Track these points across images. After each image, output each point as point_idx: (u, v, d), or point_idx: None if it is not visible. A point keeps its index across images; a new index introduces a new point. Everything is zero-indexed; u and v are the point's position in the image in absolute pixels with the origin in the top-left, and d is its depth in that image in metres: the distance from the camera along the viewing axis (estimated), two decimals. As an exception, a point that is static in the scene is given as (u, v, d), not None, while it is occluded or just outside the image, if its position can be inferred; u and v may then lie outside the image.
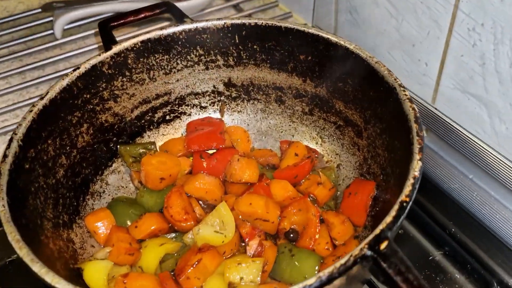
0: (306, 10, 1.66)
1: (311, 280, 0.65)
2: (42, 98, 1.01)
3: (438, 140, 1.25)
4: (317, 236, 1.02)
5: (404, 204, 0.74)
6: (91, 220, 1.07)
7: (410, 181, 0.78)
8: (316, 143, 1.25)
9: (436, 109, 1.22)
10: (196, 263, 0.96)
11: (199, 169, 1.20)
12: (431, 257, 1.17)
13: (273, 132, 1.31)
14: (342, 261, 0.67)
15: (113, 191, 1.19)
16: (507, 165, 1.08)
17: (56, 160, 1.04)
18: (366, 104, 1.08)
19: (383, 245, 0.68)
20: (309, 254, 0.98)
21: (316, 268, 0.96)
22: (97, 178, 1.16)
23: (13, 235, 0.76)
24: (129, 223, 1.09)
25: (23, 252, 0.75)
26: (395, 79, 0.97)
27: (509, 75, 0.99)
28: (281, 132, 1.30)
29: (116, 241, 1.02)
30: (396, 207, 0.73)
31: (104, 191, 1.17)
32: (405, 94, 0.93)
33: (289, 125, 1.29)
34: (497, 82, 1.03)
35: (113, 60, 1.14)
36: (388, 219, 0.71)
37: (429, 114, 1.23)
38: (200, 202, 1.14)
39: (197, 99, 1.31)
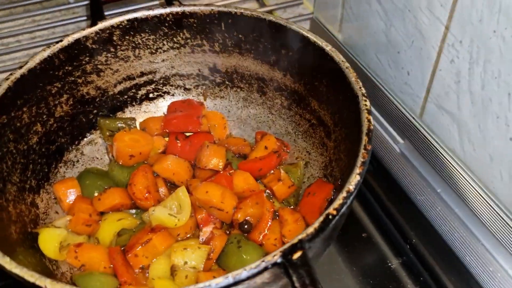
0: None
1: (219, 280, 0.68)
2: (20, 67, 1.05)
3: (413, 149, 1.24)
4: (266, 231, 1.04)
5: (330, 217, 0.75)
6: (59, 188, 1.12)
7: (343, 194, 0.78)
8: (290, 138, 1.26)
9: (413, 118, 1.21)
10: (146, 242, 1.00)
11: (173, 150, 1.23)
12: (388, 264, 1.18)
13: (252, 121, 1.32)
14: (253, 265, 0.69)
15: (87, 162, 1.24)
16: (471, 185, 1.07)
17: (30, 127, 1.08)
18: (336, 107, 1.08)
19: (296, 255, 0.70)
20: (254, 248, 1.01)
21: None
22: (73, 147, 1.21)
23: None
24: (95, 194, 1.14)
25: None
26: (360, 87, 0.96)
27: (480, 96, 0.97)
28: (260, 122, 1.31)
29: (77, 211, 1.07)
30: (320, 218, 0.74)
31: (78, 161, 1.22)
32: (365, 104, 0.93)
33: (268, 116, 1.30)
34: (469, 102, 1.00)
35: (98, 35, 1.17)
36: (309, 230, 0.73)
37: (406, 122, 1.22)
38: (168, 183, 1.18)
39: (181, 80, 1.33)
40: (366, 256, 1.20)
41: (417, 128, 1.19)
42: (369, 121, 0.90)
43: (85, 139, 1.24)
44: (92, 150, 1.25)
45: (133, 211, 1.14)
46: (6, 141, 1.02)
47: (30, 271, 0.71)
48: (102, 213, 1.11)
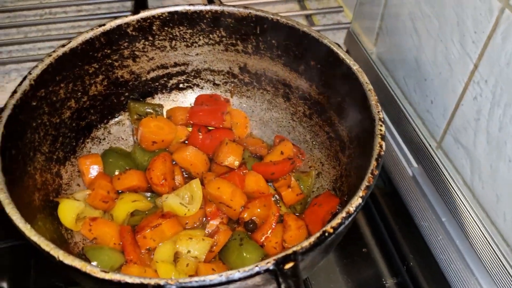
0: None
1: (213, 276, 0.73)
2: (63, 46, 1.12)
3: (425, 175, 1.26)
4: (269, 234, 1.09)
5: (326, 234, 0.79)
6: (84, 162, 1.19)
7: (342, 214, 0.82)
8: (307, 147, 1.30)
9: (430, 146, 1.22)
10: (155, 226, 1.06)
11: (194, 141, 1.29)
12: (383, 282, 1.21)
13: (273, 124, 1.36)
14: (247, 268, 0.74)
15: (113, 141, 1.31)
16: (475, 220, 1.08)
17: (65, 102, 1.16)
18: (354, 126, 1.11)
19: (287, 266, 0.74)
20: (255, 248, 1.06)
21: (256, 262, 1.03)
22: (101, 125, 1.28)
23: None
24: (116, 173, 1.21)
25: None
26: (378, 112, 0.99)
27: (496, 138, 0.98)
28: (280, 126, 1.35)
29: (97, 186, 1.14)
30: (317, 234, 0.79)
31: (104, 139, 1.29)
32: (380, 130, 0.95)
33: (289, 122, 1.34)
34: (485, 141, 1.02)
35: (139, 24, 1.22)
36: (305, 243, 0.77)
37: (423, 148, 1.24)
38: (185, 172, 1.25)
39: (211, 75, 1.38)
40: (363, 271, 1.24)
41: (432, 156, 1.20)
42: (380, 146, 0.93)
43: (114, 119, 1.31)
44: (119, 131, 1.32)
45: (148, 194, 1.20)
46: (41, 114, 1.09)
47: (46, 240, 0.78)
48: (119, 192, 1.18)
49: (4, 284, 1.14)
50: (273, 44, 1.26)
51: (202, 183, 1.18)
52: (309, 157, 1.29)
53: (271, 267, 0.74)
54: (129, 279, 0.73)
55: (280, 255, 0.75)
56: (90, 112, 1.24)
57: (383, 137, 0.94)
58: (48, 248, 0.77)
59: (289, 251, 0.76)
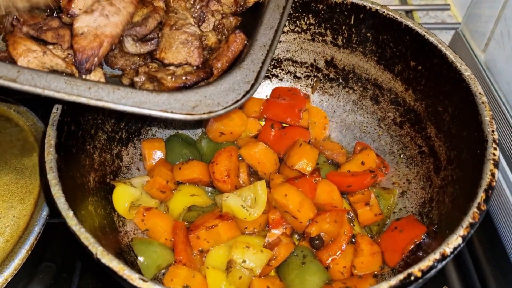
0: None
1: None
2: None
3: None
4: (337, 255, 0.94)
5: (412, 278, 0.63)
6: (147, 145, 1.12)
7: (435, 255, 0.66)
8: (393, 159, 1.13)
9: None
10: (211, 227, 0.96)
11: (265, 138, 1.17)
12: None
13: (355, 129, 1.20)
14: (307, 305, 0.61)
15: (179, 125, 1.22)
16: None
17: (134, 80, 1.08)
18: (456, 143, 0.93)
19: (358, 311, 0.60)
20: (319, 269, 0.92)
21: (318, 286, 0.90)
22: (170, 109, 1.20)
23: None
24: (178, 162, 1.12)
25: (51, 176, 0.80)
26: (492, 131, 0.80)
27: None
28: (364, 132, 1.19)
29: (156, 174, 1.06)
30: (400, 277, 0.63)
31: (171, 123, 1.21)
32: (494, 154, 0.77)
33: (375, 128, 1.17)
34: None
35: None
36: (384, 286, 0.62)
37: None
38: (251, 171, 1.13)
39: (293, 66, 1.24)
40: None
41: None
42: (492, 175, 0.74)
43: (184, 103, 1.22)
44: (187, 116, 1.23)
45: (210, 189, 1.10)
46: (108, 90, 1.02)
47: (86, 233, 0.69)
48: (178, 183, 1.09)
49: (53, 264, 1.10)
50: (367, 37, 1.10)
51: (268, 186, 1.06)
52: (394, 171, 1.11)
53: (337, 310, 0.60)
54: (168, 294, 0.62)
55: (350, 296, 0.61)
56: (160, 93, 1.16)
57: (496, 164, 0.76)
58: (87, 242, 0.68)
59: (362, 293, 0.61)
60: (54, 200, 0.74)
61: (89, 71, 0.82)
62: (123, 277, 0.64)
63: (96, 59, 0.81)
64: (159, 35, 0.89)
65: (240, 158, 1.12)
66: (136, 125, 1.13)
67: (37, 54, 0.79)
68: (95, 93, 0.75)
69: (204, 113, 0.78)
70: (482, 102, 0.85)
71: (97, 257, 0.67)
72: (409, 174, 1.08)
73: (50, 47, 0.84)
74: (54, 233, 1.13)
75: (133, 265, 0.93)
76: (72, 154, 0.89)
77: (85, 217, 0.82)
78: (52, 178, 0.76)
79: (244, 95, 0.79)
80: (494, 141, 0.78)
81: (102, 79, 0.83)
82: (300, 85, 1.26)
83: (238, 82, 0.81)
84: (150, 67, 0.89)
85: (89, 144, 0.97)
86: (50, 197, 0.77)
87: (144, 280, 0.63)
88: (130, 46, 0.87)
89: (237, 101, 0.79)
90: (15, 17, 0.88)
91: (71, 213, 0.72)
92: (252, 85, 0.81)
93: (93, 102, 0.75)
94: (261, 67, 0.83)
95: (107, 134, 1.04)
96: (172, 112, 0.76)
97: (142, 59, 0.90)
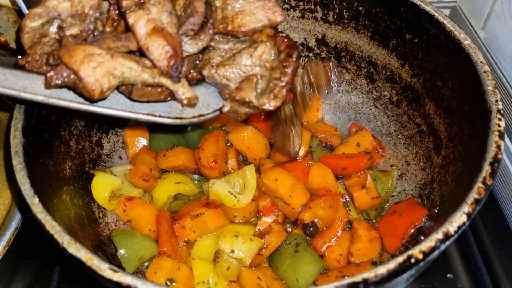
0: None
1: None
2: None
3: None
4: (332, 242, 0.88)
5: (412, 260, 0.57)
6: (130, 133, 1.05)
7: (438, 235, 0.59)
8: (390, 141, 1.06)
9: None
10: (197, 215, 0.90)
11: (255, 121, 1.10)
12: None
13: (350, 110, 1.14)
14: (296, 293, 0.54)
15: (164, 112, 1.15)
16: None
17: (113, 63, 1.02)
18: (457, 118, 0.86)
19: (353, 298, 0.54)
20: (313, 258, 0.86)
21: (313, 276, 0.83)
22: (153, 94, 1.13)
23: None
24: (163, 149, 1.06)
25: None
26: (496, 101, 0.74)
27: None
28: (359, 113, 1.12)
29: (139, 162, 1.00)
30: (399, 259, 0.57)
31: (155, 109, 1.14)
32: (499, 125, 0.70)
33: (370, 109, 1.11)
34: None
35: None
36: (380, 270, 0.56)
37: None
38: (241, 157, 1.07)
39: (283, 47, 1.18)
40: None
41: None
42: (498, 147, 0.68)
43: (168, 88, 1.15)
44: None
45: (196, 177, 1.04)
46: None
47: (53, 221, 0.63)
48: (163, 171, 1.03)
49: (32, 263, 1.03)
50: (360, 11, 1.03)
51: (259, 172, 0.99)
52: (392, 153, 1.05)
53: (330, 297, 0.54)
54: (141, 286, 0.56)
55: (343, 283, 0.55)
56: (142, 77, 1.09)
57: (501, 135, 0.69)
58: (53, 230, 0.62)
59: (357, 278, 0.55)
60: (18, 187, 0.67)
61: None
62: (91, 267, 0.58)
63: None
64: (210, 14, 0.73)
65: (228, 144, 1.06)
66: (117, 111, 1.06)
67: (102, 58, 0.63)
68: (76, 95, 0.67)
69: (193, 117, 0.71)
70: (484, 71, 0.78)
71: (63, 246, 0.61)
72: (408, 155, 1.02)
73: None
74: (34, 229, 1.06)
75: (114, 258, 0.86)
76: (43, 140, 0.83)
77: (57, 206, 0.76)
78: (17, 163, 0.69)
79: None
80: (498, 111, 0.72)
81: (188, 88, 0.71)
82: (291, 66, 1.19)
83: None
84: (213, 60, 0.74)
85: (64, 130, 0.90)
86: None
87: (114, 271, 0.57)
88: (190, 45, 0.71)
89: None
90: (59, 26, 0.69)
91: (36, 200, 0.65)
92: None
93: (73, 105, 0.67)
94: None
95: (84, 120, 0.97)
96: (160, 116, 0.70)
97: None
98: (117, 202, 0.94)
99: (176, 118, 0.70)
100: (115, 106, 0.68)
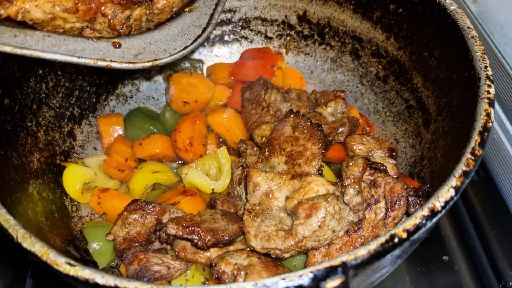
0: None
1: (217, 289, 0.49)
2: None
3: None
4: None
5: (396, 240, 0.52)
6: (104, 122, 1.00)
7: (423, 212, 0.54)
8: (378, 118, 1.01)
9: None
10: (173, 204, 0.84)
11: (234, 104, 1.05)
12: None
13: (335, 89, 1.08)
14: (268, 281, 0.49)
15: (141, 100, 1.10)
16: None
17: (82, 49, 0.96)
18: (445, 89, 0.81)
19: (331, 284, 0.49)
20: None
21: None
22: (129, 81, 1.08)
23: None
24: (140, 138, 1.00)
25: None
26: (485, 67, 0.68)
27: None
28: (345, 92, 1.07)
29: (114, 151, 0.95)
30: (381, 238, 0.52)
31: (132, 97, 1.09)
32: (488, 92, 0.65)
33: (357, 87, 1.06)
34: None
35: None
36: (361, 251, 0.51)
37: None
38: (221, 141, 1.02)
39: (263, 26, 1.12)
40: (441, 284, 0.94)
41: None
42: (488, 115, 0.63)
43: (145, 74, 1.10)
44: (150, 88, 1.11)
45: (175, 165, 0.98)
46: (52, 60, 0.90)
47: (7, 215, 0.58)
48: (140, 161, 0.98)
49: None
50: (341, -17, 0.98)
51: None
52: (380, 131, 1.00)
53: (305, 283, 0.49)
54: (100, 280, 0.51)
55: (321, 266, 0.50)
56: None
57: (491, 102, 0.64)
58: (7, 224, 0.57)
59: (335, 262, 0.50)
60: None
61: None
62: (47, 262, 0.53)
63: None
64: None
65: (209, 129, 1.01)
66: (90, 100, 1.01)
67: None
68: (21, 41, 0.65)
69: (148, 61, 0.70)
70: (472, 37, 0.73)
71: (18, 241, 0.56)
72: (397, 132, 0.97)
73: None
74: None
75: (87, 254, 0.81)
76: (5, 131, 0.77)
77: (19, 200, 0.71)
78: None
79: (194, 40, 0.70)
80: (487, 77, 0.67)
81: None
82: (273, 46, 1.14)
83: (188, 26, 0.71)
84: None
85: (30, 121, 0.85)
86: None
87: (71, 265, 0.52)
88: None
89: (186, 47, 0.70)
90: None
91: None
92: (204, 29, 0.71)
93: (18, 51, 0.65)
94: (214, 9, 0.73)
95: (54, 110, 0.92)
96: (111, 61, 0.68)
97: None
98: (91, 194, 0.89)
99: (129, 62, 0.69)
100: (62, 51, 0.67)
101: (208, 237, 0.72)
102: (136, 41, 0.70)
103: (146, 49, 0.69)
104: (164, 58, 0.70)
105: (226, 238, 0.74)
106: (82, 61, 0.66)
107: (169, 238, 0.75)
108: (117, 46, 0.69)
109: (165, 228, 0.76)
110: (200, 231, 0.72)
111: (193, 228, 0.72)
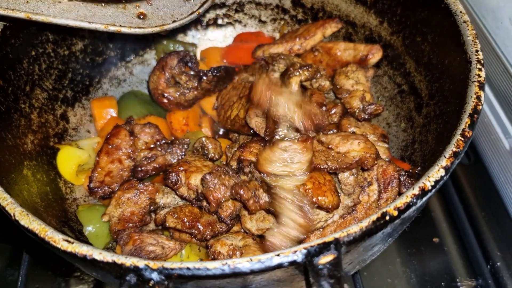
0: None
1: (212, 264, 0.50)
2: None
3: (530, 150, 0.94)
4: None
5: (387, 218, 0.53)
6: (97, 104, 1.00)
7: (414, 190, 0.56)
8: (371, 103, 1.02)
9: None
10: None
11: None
12: (457, 283, 0.94)
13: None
14: (262, 256, 0.50)
15: (134, 83, 1.10)
16: None
17: (75, 31, 0.96)
18: (437, 73, 0.82)
19: (324, 259, 0.50)
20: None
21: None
22: (122, 64, 1.08)
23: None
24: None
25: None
26: (476, 51, 0.69)
27: None
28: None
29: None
30: (373, 216, 0.53)
31: (125, 80, 1.09)
32: (478, 75, 0.66)
33: (350, 72, 1.06)
34: None
35: None
36: (353, 228, 0.52)
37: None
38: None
39: (257, 10, 1.12)
40: (431, 265, 0.97)
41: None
42: (478, 98, 0.64)
43: (138, 57, 1.10)
44: (143, 72, 1.11)
45: (169, 148, 0.99)
46: (44, 41, 0.90)
47: (4, 193, 0.58)
48: (134, 143, 0.98)
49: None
50: (335, -33, 0.98)
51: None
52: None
53: (299, 259, 0.50)
54: (98, 256, 0.52)
55: (314, 243, 0.51)
56: (109, 46, 1.04)
57: (481, 86, 0.65)
58: (4, 202, 0.57)
59: (329, 238, 0.51)
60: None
61: None
62: (44, 239, 0.54)
63: None
64: None
65: (203, 113, 1.01)
66: (83, 82, 1.01)
67: None
68: (33, 6, 0.68)
69: (156, 26, 0.74)
70: (464, 21, 0.74)
71: (15, 218, 0.56)
72: (389, 117, 0.98)
73: None
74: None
75: (82, 235, 0.82)
76: (0, 112, 0.77)
77: (15, 180, 0.71)
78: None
79: (201, 5, 0.73)
80: (478, 61, 0.68)
81: None
82: (267, 31, 1.14)
83: (194, -9, 0.72)
84: None
85: (24, 103, 0.85)
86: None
87: (69, 241, 0.53)
88: None
89: (193, 12, 0.73)
90: None
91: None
92: (210, -5, 0.72)
93: (32, 17, 0.68)
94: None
95: (47, 92, 0.92)
96: (121, 26, 0.71)
97: None
98: (85, 176, 0.90)
99: (138, 27, 0.72)
100: (73, 17, 0.70)
101: (207, 232, 0.74)
102: (144, 6, 0.72)
103: (154, 14, 0.72)
104: (171, 23, 0.73)
105: (223, 229, 0.76)
106: (93, 26, 0.69)
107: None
108: (125, 10, 0.71)
109: (160, 212, 0.78)
110: (199, 226, 0.74)
111: (193, 223, 0.74)
